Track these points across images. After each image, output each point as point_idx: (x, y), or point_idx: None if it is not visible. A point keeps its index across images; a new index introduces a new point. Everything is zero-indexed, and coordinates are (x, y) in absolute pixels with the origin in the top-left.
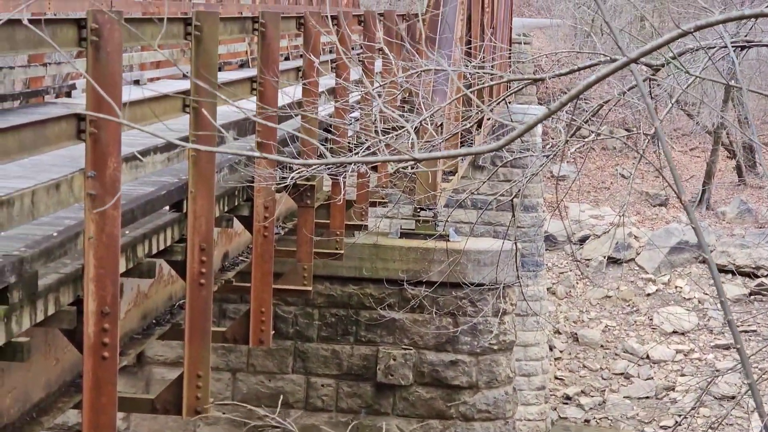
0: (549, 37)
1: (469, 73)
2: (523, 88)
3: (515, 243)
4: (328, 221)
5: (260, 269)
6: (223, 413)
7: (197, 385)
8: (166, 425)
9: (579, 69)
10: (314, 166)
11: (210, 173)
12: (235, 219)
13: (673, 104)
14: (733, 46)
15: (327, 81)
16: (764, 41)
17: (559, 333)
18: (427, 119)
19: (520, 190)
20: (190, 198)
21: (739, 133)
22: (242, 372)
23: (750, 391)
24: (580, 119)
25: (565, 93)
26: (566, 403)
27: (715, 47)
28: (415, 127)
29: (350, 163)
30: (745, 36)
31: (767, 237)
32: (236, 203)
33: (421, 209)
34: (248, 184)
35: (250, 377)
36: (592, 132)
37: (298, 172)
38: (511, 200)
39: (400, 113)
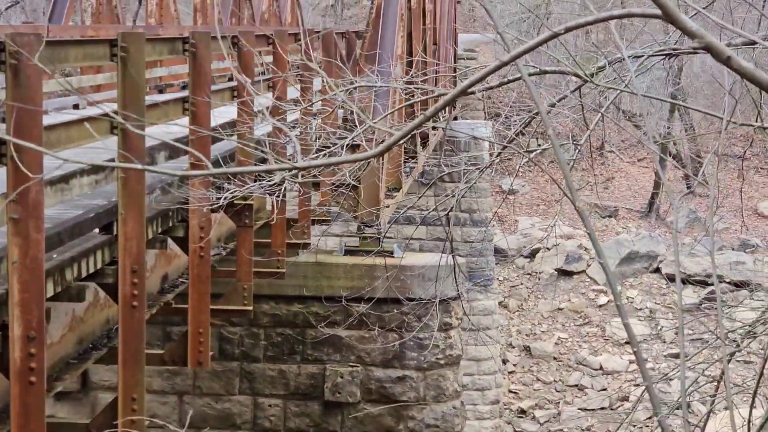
0: (495, 52)
1: (401, 89)
2: (453, 100)
3: (453, 256)
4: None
5: (197, 290)
6: None
7: (132, 408)
8: None
9: (510, 81)
10: (246, 188)
11: (140, 194)
12: (172, 241)
13: (601, 114)
14: (660, 55)
15: (265, 101)
16: (683, 48)
17: (512, 346)
18: (362, 135)
19: (452, 206)
20: (120, 220)
21: (686, 142)
22: (188, 395)
23: (648, 394)
24: (524, 134)
25: (514, 106)
26: (521, 417)
27: (642, 56)
28: (352, 144)
29: (241, 173)
30: (675, 44)
31: (719, 245)
32: (171, 224)
33: (365, 226)
34: (181, 205)
35: (197, 399)
36: (540, 146)
37: (231, 192)
38: (447, 215)
39: (341, 131)
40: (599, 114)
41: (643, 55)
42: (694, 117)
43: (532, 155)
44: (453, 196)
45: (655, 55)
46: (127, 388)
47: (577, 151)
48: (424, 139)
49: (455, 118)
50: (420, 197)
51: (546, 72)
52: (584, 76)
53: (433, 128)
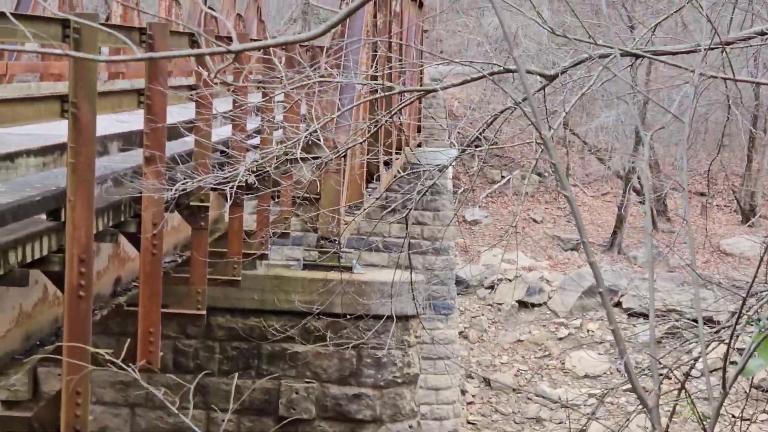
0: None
1: (365, 86)
2: (413, 102)
3: (410, 268)
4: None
5: (148, 287)
6: None
7: (76, 402)
8: None
9: (472, 80)
10: (199, 180)
11: (90, 181)
12: (126, 243)
13: (566, 113)
14: (629, 54)
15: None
16: (659, 49)
17: (472, 377)
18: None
19: (412, 206)
20: (69, 206)
21: (650, 177)
22: (141, 407)
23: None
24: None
25: (477, 137)
26: None
27: (609, 55)
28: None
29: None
30: (646, 44)
31: (680, 281)
32: (122, 218)
33: (325, 240)
34: (135, 195)
35: (149, 412)
36: (504, 177)
37: (183, 183)
38: (406, 216)
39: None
40: (564, 112)
41: (610, 54)
42: (658, 152)
43: (496, 186)
44: (416, 195)
45: (626, 55)
46: (71, 381)
47: (539, 182)
48: (387, 164)
49: (419, 145)
50: (381, 219)
51: (510, 71)
52: (549, 74)
53: (397, 151)
